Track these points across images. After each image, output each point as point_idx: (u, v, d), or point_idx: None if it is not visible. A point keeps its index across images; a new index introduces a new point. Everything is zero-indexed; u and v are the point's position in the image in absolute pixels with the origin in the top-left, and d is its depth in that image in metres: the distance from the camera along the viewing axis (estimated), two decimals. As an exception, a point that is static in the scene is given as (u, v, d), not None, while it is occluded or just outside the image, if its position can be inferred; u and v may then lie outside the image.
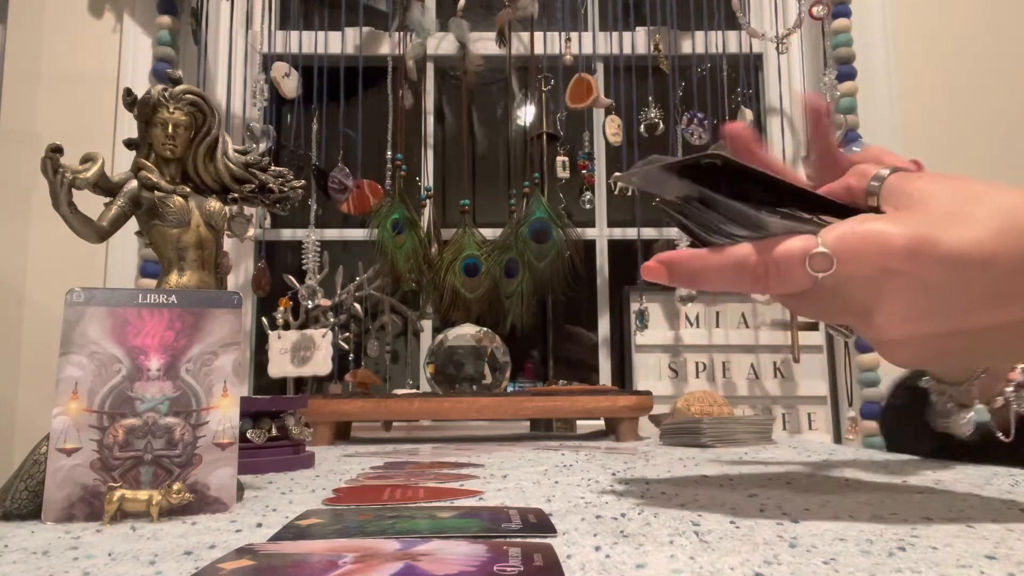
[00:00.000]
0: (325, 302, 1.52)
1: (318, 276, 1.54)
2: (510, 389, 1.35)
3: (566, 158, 1.61)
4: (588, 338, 1.74)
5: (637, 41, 1.73)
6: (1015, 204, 0.33)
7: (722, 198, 0.36)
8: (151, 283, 1.42)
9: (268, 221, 1.63)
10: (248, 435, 0.67)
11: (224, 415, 0.43)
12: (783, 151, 1.68)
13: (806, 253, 0.34)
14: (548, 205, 1.59)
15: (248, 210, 0.59)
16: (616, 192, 1.59)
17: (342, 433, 1.22)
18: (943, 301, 0.33)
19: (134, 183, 0.53)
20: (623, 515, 0.38)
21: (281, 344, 1.46)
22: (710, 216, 0.38)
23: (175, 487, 0.39)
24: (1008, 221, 0.32)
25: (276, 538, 0.33)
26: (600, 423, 1.39)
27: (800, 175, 0.45)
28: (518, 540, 0.32)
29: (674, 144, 1.63)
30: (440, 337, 1.28)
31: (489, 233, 1.61)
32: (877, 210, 0.36)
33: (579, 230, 1.66)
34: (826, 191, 0.39)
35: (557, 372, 1.68)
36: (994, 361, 0.37)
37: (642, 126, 1.63)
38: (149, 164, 0.54)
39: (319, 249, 1.55)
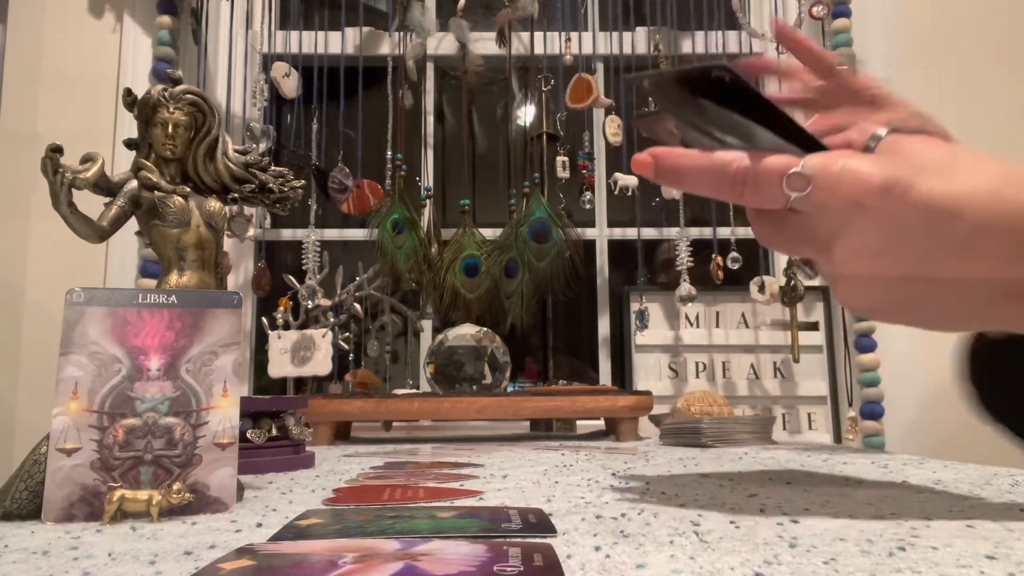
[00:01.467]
0: (325, 302, 1.52)
1: (318, 276, 1.54)
2: (510, 389, 1.35)
3: (566, 158, 1.61)
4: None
5: (637, 41, 1.72)
6: (996, 171, 0.33)
7: (719, 107, 0.37)
8: (151, 283, 1.41)
9: (268, 221, 1.63)
10: (248, 435, 0.67)
11: (224, 415, 0.43)
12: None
13: (785, 170, 0.35)
14: (548, 205, 1.58)
15: (248, 210, 0.60)
16: (616, 192, 1.59)
17: (342, 433, 1.22)
18: (905, 243, 0.34)
19: (134, 183, 0.53)
20: (623, 515, 0.38)
21: (281, 344, 1.46)
22: (707, 126, 0.39)
23: (175, 487, 0.39)
24: (984, 185, 0.33)
25: (276, 538, 0.33)
26: (600, 423, 1.39)
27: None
28: (518, 540, 0.32)
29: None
30: (440, 337, 1.28)
31: (489, 233, 1.61)
32: None
33: (579, 230, 1.66)
34: (828, 143, 0.39)
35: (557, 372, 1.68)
36: (952, 323, 0.37)
37: (642, 126, 1.62)
38: (149, 164, 0.54)
39: (319, 249, 1.55)
